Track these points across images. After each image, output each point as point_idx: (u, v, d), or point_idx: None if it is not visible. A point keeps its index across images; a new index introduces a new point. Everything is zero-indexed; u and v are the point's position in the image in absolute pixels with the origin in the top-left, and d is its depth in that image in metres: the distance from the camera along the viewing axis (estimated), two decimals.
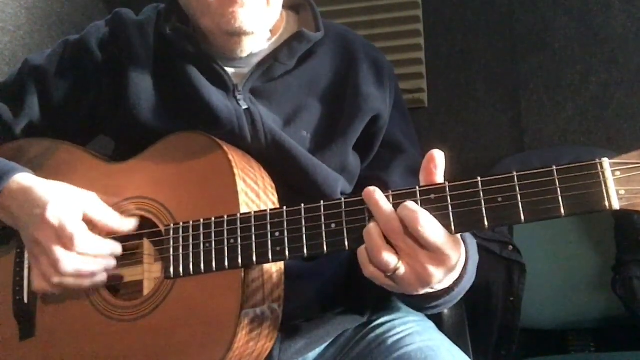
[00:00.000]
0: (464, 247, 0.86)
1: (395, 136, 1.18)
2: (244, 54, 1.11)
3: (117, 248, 0.98)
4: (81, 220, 0.95)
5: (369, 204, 0.83)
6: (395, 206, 0.81)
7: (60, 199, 0.95)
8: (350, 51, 1.16)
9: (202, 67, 1.09)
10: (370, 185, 0.84)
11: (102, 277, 0.97)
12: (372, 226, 0.81)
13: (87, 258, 0.94)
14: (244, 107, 1.07)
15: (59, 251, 0.92)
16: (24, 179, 1.00)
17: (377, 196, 0.82)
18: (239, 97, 1.08)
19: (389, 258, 0.80)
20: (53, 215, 0.93)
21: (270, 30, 1.15)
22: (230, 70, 1.11)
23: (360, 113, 1.11)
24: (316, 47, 1.14)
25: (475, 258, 0.93)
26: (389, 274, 0.82)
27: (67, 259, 0.92)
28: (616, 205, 0.75)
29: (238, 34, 1.06)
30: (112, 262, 0.98)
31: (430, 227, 0.78)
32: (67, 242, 0.92)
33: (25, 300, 1.05)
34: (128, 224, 1.00)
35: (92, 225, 0.98)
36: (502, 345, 1.72)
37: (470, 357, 1.08)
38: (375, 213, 0.82)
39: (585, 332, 1.81)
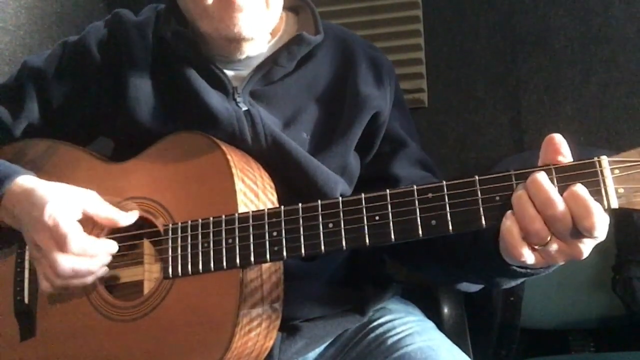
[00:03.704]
0: None
1: (395, 130, 1.18)
2: (243, 57, 1.11)
3: (112, 246, 0.98)
4: (77, 221, 0.95)
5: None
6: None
7: (58, 200, 0.95)
8: (348, 52, 1.16)
9: (201, 69, 1.09)
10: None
11: (101, 272, 0.97)
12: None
13: (84, 257, 0.94)
14: (244, 109, 1.07)
15: (55, 253, 0.92)
16: (26, 181, 1.00)
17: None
18: (238, 99, 1.08)
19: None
20: (49, 216, 0.93)
21: (270, 32, 1.15)
22: (229, 72, 1.11)
23: (360, 114, 1.10)
24: (315, 49, 1.13)
25: None
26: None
27: (64, 260, 0.92)
28: (615, 203, 0.74)
29: (237, 39, 1.05)
30: (108, 259, 0.98)
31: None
32: (60, 242, 0.92)
33: (26, 301, 1.05)
34: (130, 217, 1.00)
35: (93, 222, 0.99)
36: (502, 345, 1.71)
37: (470, 357, 1.08)
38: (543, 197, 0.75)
39: (585, 332, 1.81)
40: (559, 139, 0.78)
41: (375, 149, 1.17)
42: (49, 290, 0.97)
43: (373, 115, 1.12)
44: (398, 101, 1.21)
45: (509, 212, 0.77)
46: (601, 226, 0.74)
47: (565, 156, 0.78)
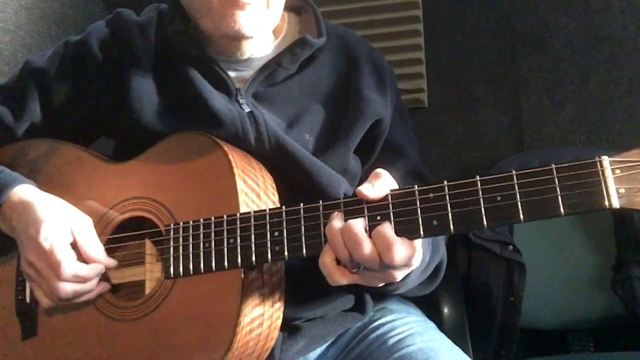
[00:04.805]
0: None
1: (395, 139, 1.18)
2: (244, 57, 1.11)
3: (100, 270, 1.00)
4: (69, 245, 0.97)
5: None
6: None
7: (53, 221, 0.97)
8: (351, 54, 1.16)
9: (204, 70, 1.09)
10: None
11: (101, 289, 1.01)
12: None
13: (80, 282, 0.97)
14: (247, 110, 1.07)
15: (55, 281, 0.95)
16: (25, 191, 1.01)
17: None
18: (241, 101, 1.08)
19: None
20: (45, 238, 0.95)
21: (273, 32, 1.15)
22: (232, 73, 1.11)
23: (363, 117, 1.11)
24: (318, 51, 1.13)
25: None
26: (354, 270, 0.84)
27: (66, 286, 0.96)
28: (616, 203, 0.74)
29: (237, 37, 1.06)
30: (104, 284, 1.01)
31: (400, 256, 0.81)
32: (54, 268, 0.95)
33: (28, 300, 1.05)
34: (109, 263, 1.01)
35: (96, 221, 1.02)
36: (502, 345, 1.71)
37: (470, 357, 1.08)
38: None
39: (585, 332, 1.81)
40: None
41: (376, 155, 1.17)
42: (50, 306, 1.00)
43: (375, 121, 1.13)
44: (398, 107, 1.21)
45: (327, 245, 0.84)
46: (400, 259, 0.80)
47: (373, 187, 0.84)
